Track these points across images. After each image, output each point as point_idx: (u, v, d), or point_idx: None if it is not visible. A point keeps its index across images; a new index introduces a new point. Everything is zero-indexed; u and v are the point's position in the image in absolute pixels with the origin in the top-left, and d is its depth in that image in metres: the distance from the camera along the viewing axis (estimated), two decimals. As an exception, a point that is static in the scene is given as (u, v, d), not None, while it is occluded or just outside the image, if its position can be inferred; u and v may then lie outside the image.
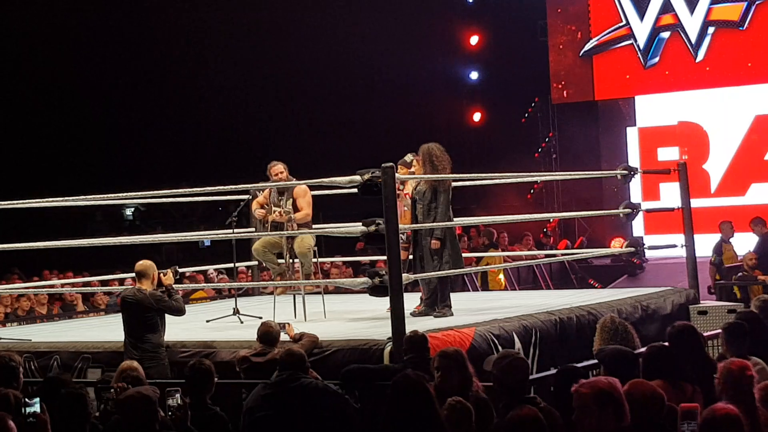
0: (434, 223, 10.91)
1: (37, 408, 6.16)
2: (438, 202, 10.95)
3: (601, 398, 5.49)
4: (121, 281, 14.65)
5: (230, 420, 7.53)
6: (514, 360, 6.70)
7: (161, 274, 10.16)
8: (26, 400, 6.23)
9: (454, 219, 11.40)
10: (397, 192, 10.02)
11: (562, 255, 18.71)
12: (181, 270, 11.79)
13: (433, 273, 10.87)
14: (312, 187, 11.87)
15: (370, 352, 9.21)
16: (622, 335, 8.24)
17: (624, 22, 22.62)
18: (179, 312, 10.11)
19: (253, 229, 12.44)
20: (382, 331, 9.50)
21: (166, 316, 10.02)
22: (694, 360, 7.38)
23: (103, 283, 15.09)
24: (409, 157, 11.43)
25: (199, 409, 7.20)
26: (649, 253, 14.97)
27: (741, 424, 5.39)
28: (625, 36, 22.65)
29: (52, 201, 12.62)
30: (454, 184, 11.50)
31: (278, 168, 11.84)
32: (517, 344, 9.88)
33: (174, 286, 10.22)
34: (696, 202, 13.78)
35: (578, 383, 5.65)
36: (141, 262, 10.22)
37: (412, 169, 11.39)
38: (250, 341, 9.42)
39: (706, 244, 16.20)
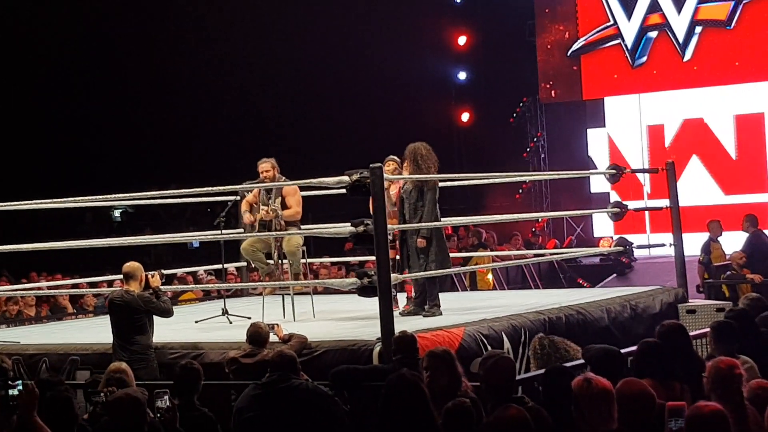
0: (420, 223, 10.92)
1: (18, 390, 6.17)
2: (424, 201, 10.95)
3: (608, 396, 5.58)
4: (110, 283, 14.62)
5: (219, 421, 7.52)
6: (499, 360, 6.70)
7: (149, 276, 10.15)
8: (9, 383, 6.23)
9: (443, 219, 11.40)
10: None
11: (551, 254, 18.72)
12: (170, 271, 11.78)
13: (419, 273, 10.87)
14: (300, 188, 11.87)
15: (359, 353, 9.22)
16: (555, 355, 8.12)
17: (611, 21, 22.66)
18: (167, 313, 10.10)
19: (242, 230, 12.43)
20: (371, 331, 9.51)
21: (155, 317, 10.02)
22: (683, 359, 7.38)
23: (92, 284, 15.05)
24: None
25: (187, 410, 7.19)
26: (637, 252, 14.99)
27: (727, 421, 5.41)
28: (612, 36, 22.69)
29: (41, 203, 12.60)
30: (442, 184, 11.51)
31: (264, 166, 11.83)
32: (507, 344, 9.90)
33: (161, 287, 10.21)
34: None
35: (585, 378, 5.71)
36: (128, 264, 10.20)
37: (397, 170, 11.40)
38: (239, 342, 9.42)
39: (694, 244, 16.22)
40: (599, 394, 5.73)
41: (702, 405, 5.49)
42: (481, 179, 14.85)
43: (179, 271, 16.54)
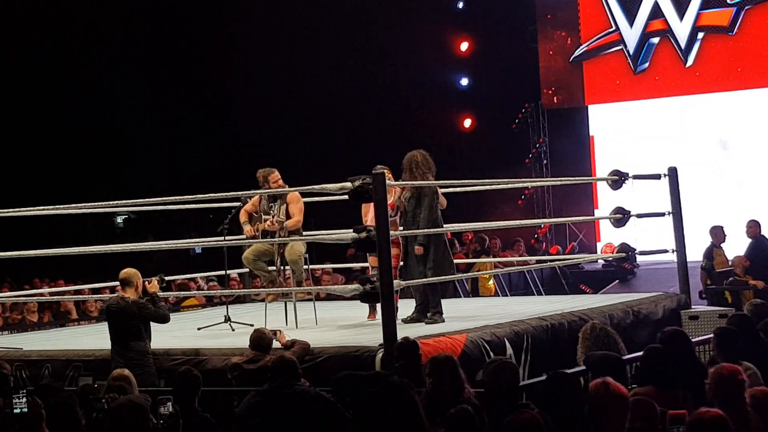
0: (418, 230, 10.90)
1: (24, 406, 6.19)
2: (422, 209, 10.93)
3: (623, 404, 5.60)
4: (112, 289, 14.62)
5: (221, 427, 7.51)
6: (502, 364, 6.72)
7: (146, 282, 10.13)
8: (15, 399, 6.26)
9: (445, 225, 11.38)
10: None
11: (553, 261, 18.70)
12: (172, 278, 11.75)
13: (418, 280, 10.85)
14: (302, 194, 11.86)
15: (362, 359, 9.21)
16: (603, 341, 8.18)
17: (614, 27, 22.65)
18: (163, 320, 10.08)
19: (244, 237, 12.43)
20: (374, 337, 9.51)
21: (153, 323, 10.00)
22: (685, 365, 7.37)
23: (94, 290, 15.05)
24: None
25: (189, 416, 7.19)
26: (640, 259, 14.98)
27: (729, 427, 5.41)
28: (614, 42, 22.68)
29: (43, 209, 12.59)
30: (444, 190, 11.49)
31: (277, 175, 11.81)
32: (509, 350, 9.89)
33: (159, 293, 10.20)
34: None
35: (603, 382, 5.72)
36: (125, 270, 10.20)
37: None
38: (241, 348, 9.41)
39: (696, 249, 16.21)
40: (616, 399, 5.74)
41: (704, 411, 5.49)
42: (483, 185, 14.85)
43: (181, 278, 16.52)
